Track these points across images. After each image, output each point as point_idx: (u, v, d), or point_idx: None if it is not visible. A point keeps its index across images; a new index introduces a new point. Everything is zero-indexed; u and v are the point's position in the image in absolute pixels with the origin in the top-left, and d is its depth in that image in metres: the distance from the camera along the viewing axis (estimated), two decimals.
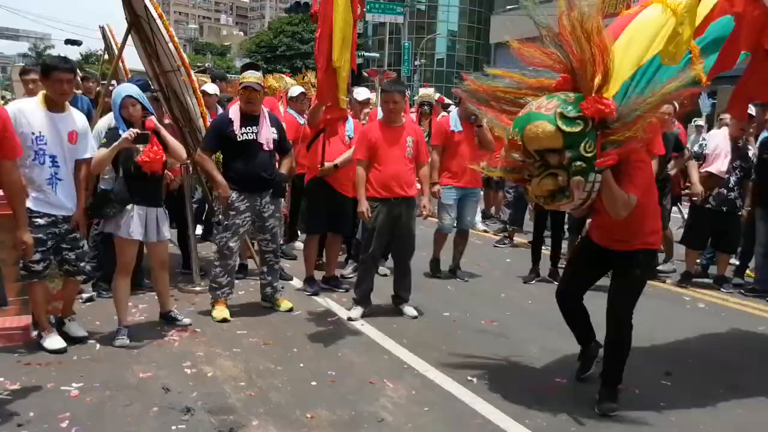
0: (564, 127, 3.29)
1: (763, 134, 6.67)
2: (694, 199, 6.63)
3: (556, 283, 6.53)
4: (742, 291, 6.58)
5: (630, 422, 3.52)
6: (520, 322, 5.31)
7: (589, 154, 3.32)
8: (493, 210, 10.93)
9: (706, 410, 3.73)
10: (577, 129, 3.30)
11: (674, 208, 8.04)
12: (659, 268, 7.26)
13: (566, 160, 3.32)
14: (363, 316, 5.20)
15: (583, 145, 3.31)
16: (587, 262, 4.01)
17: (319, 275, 6.15)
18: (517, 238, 8.76)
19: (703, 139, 7.01)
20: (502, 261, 7.73)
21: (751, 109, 6.54)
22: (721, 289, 6.61)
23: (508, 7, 43.43)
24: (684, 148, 7.16)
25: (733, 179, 6.52)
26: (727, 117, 6.87)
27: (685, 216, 8.65)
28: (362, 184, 5.15)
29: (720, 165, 6.53)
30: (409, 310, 5.34)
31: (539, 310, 5.67)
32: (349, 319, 5.13)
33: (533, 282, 6.66)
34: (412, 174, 5.30)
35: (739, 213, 6.68)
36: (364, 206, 5.09)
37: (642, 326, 5.18)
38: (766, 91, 4.49)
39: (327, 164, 5.67)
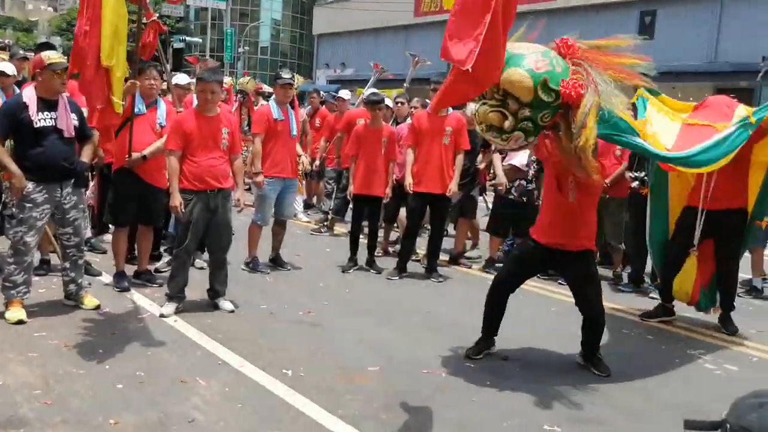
0: (539, 92, 3.63)
1: None
2: (498, 189, 7.13)
3: (373, 271, 6.79)
4: (539, 275, 7.21)
5: (439, 405, 3.73)
6: (338, 311, 5.40)
7: (542, 123, 3.74)
8: (314, 200, 11.01)
9: (504, 388, 4.04)
10: (548, 99, 3.68)
11: (480, 198, 8.61)
12: (467, 254, 7.77)
13: (521, 114, 3.71)
14: (176, 311, 4.99)
15: (542, 113, 3.71)
16: (532, 263, 4.58)
17: (132, 270, 5.81)
18: (337, 228, 8.91)
19: None
20: (321, 250, 7.81)
21: None
22: None
23: None
24: (490, 144, 7.69)
25: (531, 172, 7.12)
26: None
27: (490, 206, 9.33)
28: (175, 176, 4.93)
29: (521, 158, 7.09)
30: (225, 303, 5.21)
31: (356, 299, 5.82)
32: (161, 315, 4.90)
33: (351, 271, 6.81)
34: (227, 165, 5.18)
35: (536, 203, 7.32)
36: (177, 200, 4.88)
37: (451, 313, 5.58)
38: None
39: (135, 154, 5.34)
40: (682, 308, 5.98)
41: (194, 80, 9.53)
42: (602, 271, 6.64)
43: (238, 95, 10.32)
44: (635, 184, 6.74)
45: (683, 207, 5.53)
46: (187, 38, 41.42)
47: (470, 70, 2.98)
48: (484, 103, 3.84)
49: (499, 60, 3.38)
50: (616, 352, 4.85)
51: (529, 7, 23.88)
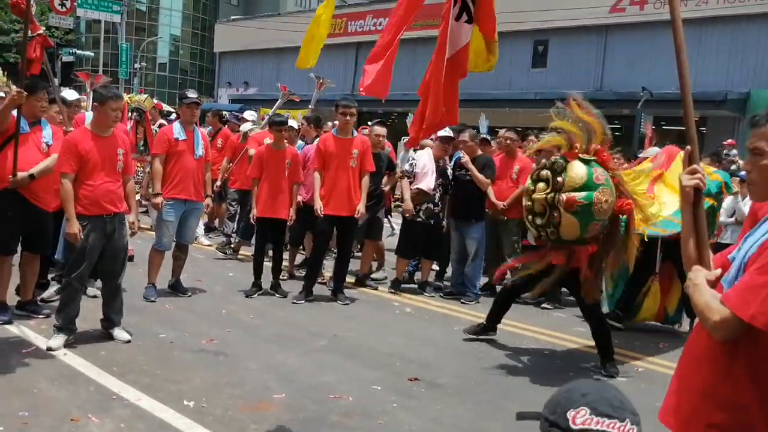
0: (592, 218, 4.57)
1: (457, 155, 7.54)
2: (406, 216, 7.20)
3: (278, 296, 6.65)
4: (442, 294, 7.35)
5: (346, 429, 3.68)
6: (241, 338, 5.25)
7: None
8: (216, 222, 10.72)
9: (410, 409, 4.05)
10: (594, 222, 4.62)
11: (385, 219, 8.67)
12: (372, 276, 7.79)
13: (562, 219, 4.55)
14: (66, 344, 4.67)
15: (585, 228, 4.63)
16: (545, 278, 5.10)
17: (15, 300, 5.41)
18: (242, 251, 8.68)
19: (413, 158, 7.65)
20: (224, 275, 7.59)
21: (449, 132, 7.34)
22: (425, 293, 7.30)
23: (232, 17, 43.54)
24: (395, 167, 7.79)
25: (437, 195, 7.25)
26: (467, 135, 7.45)
27: (394, 227, 9.43)
28: (71, 201, 4.62)
29: (429, 182, 7.19)
30: (120, 333, 4.93)
31: (261, 325, 5.69)
32: (49, 348, 4.56)
33: (255, 296, 6.65)
34: (122, 188, 4.94)
35: (442, 225, 7.46)
36: (75, 227, 4.59)
37: (355, 332, 5.56)
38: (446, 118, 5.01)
39: (21, 174, 4.97)
40: (572, 324, 6.25)
41: (84, 96, 9.19)
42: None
43: (134, 113, 9.91)
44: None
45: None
46: (78, 51, 39.49)
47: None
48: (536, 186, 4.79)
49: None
50: (512, 366, 4.99)
51: (427, 33, 24.51)
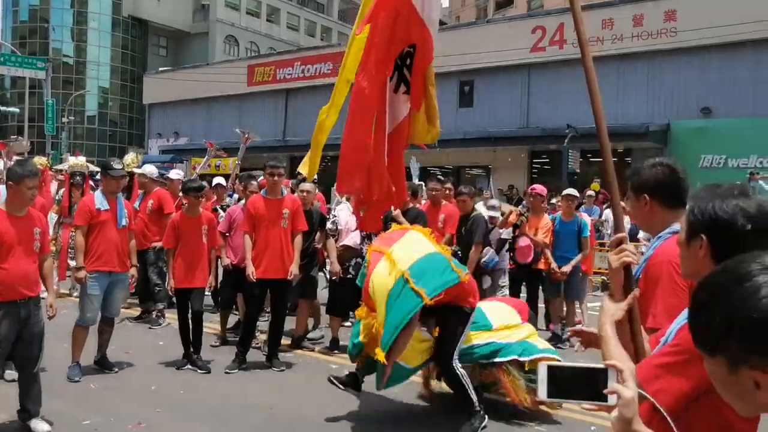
0: None
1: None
2: (333, 278, 7.11)
3: (200, 371, 6.31)
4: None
5: None
6: (171, 418, 5.02)
7: None
8: None
9: None
10: None
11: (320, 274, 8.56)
12: (309, 335, 7.65)
13: None
14: None
15: None
16: None
17: None
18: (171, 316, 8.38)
19: (334, 215, 7.59)
20: (154, 345, 7.29)
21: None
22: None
23: (161, 68, 43.18)
24: (326, 223, 7.73)
25: (365, 248, 7.21)
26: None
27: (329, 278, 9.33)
28: None
29: (354, 238, 7.18)
30: (39, 425, 4.61)
31: (192, 401, 5.46)
32: None
33: (186, 367, 6.40)
34: (38, 269, 4.71)
35: None
36: None
37: (292, 402, 5.40)
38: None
39: None
40: None
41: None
42: None
43: (76, 177, 9.50)
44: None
45: None
46: (2, 108, 38.34)
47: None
48: None
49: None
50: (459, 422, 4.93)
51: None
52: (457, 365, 4.88)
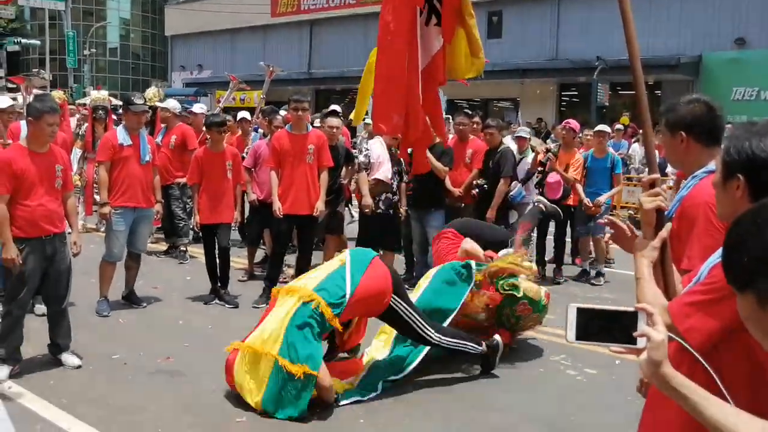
0: None
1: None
2: (365, 211, 7.01)
3: (228, 305, 6.36)
4: (408, 286, 7.22)
5: None
6: (200, 353, 5.03)
7: None
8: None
9: (377, 426, 3.93)
10: None
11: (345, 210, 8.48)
12: None
13: None
14: (12, 374, 4.43)
15: None
16: None
17: None
18: (196, 251, 8.40)
19: (367, 149, 7.45)
20: (181, 280, 7.33)
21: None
22: None
23: None
24: (353, 157, 7.58)
25: (395, 184, 7.09)
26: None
27: (354, 215, 9.26)
28: (7, 225, 4.34)
29: (386, 171, 7.00)
30: (69, 359, 4.69)
31: (219, 335, 5.47)
32: None
33: (214, 302, 6.44)
34: (62, 206, 4.67)
35: (400, 214, 7.32)
36: (12, 252, 4.32)
37: None
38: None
39: None
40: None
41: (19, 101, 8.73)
42: None
43: (99, 111, 9.41)
44: (475, 191, 7.24)
45: None
46: (23, 41, 38.07)
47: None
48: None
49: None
50: (475, 369, 4.91)
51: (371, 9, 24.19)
52: (435, 338, 4.50)
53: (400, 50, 3.97)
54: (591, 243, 8.06)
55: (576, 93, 23.92)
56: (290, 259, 7.34)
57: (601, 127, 8.27)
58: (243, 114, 9.30)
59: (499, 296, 5.04)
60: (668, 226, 2.00)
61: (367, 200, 6.87)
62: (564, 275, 7.96)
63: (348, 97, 27.89)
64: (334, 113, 8.04)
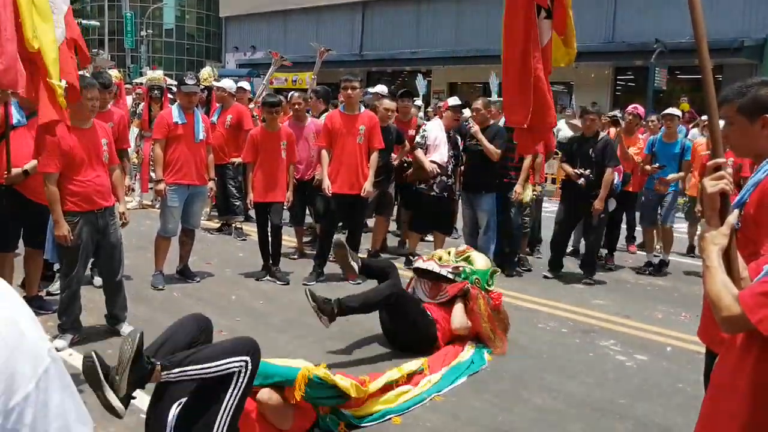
0: None
1: (464, 125, 7.33)
2: (421, 186, 6.98)
3: (280, 282, 6.45)
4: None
5: None
6: (250, 327, 5.12)
7: None
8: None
9: (424, 404, 3.95)
10: None
11: None
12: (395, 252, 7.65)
13: None
14: (73, 343, 4.61)
15: None
16: None
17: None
18: (250, 229, 8.56)
19: (424, 130, 7.38)
20: (234, 256, 7.49)
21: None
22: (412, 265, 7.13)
23: None
24: (404, 140, 7.56)
25: (450, 167, 7.04)
26: (479, 103, 7.09)
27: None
28: (58, 203, 4.44)
29: (442, 154, 6.96)
30: (126, 329, 4.82)
31: (271, 311, 5.60)
32: (55, 349, 4.49)
33: (265, 278, 6.55)
34: (108, 180, 4.77)
35: (455, 197, 7.29)
36: (64, 229, 4.42)
37: (371, 318, 5.39)
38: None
39: (15, 170, 4.81)
40: (592, 296, 6.10)
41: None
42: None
43: (154, 91, 9.63)
44: (582, 180, 6.95)
45: None
46: (84, 21, 39.13)
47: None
48: None
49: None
50: (529, 347, 4.87)
51: None
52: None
53: (523, 41, 3.94)
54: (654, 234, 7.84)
55: (632, 77, 23.25)
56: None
57: (670, 110, 7.97)
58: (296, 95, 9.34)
59: (499, 295, 5.12)
60: (735, 212, 1.94)
61: (428, 166, 6.81)
62: (615, 262, 7.81)
63: (399, 80, 27.80)
64: (407, 94, 8.09)
